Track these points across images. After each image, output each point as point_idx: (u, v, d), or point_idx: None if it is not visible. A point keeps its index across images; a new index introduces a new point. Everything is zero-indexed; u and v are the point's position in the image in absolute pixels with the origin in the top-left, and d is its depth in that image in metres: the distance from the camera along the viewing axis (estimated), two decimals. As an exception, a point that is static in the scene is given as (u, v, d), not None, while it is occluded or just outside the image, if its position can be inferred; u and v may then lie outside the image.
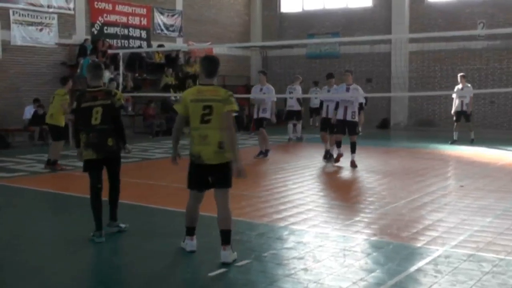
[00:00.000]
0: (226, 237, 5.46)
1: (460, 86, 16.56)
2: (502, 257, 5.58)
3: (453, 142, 16.50)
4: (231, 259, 5.41)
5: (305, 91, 20.13)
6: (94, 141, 6.31)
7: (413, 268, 5.27)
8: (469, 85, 16.82)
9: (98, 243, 6.21)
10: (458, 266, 5.29)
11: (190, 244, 5.76)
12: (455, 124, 16.85)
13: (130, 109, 19.15)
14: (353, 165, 11.57)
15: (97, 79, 6.57)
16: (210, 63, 5.61)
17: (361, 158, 11.91)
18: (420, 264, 5.40)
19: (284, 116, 17.70)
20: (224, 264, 5.33)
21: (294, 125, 16.99)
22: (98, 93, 6.42)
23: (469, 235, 6.42)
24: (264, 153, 13.20)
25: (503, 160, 13.12)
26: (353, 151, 11.66)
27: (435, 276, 5.02)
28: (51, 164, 11.54)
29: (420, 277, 5.06)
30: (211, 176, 5.47)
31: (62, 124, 11.65)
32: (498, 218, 7.24)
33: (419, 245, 6.08)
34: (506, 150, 15.06)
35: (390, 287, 4.79)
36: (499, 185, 9.77)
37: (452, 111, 17.07)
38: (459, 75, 16.94)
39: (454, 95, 16.93)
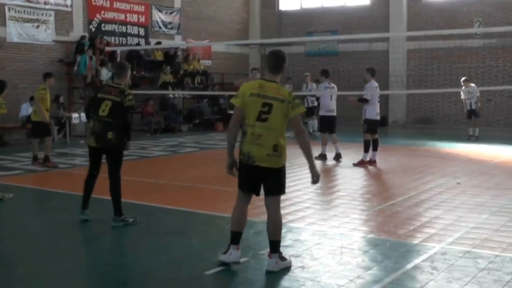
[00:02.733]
0: (274, 247, 5.17)
1: (464, 88, 17.25)
2: (498, 253, 5.62)
3: (470, 137, 17.11)
4: (278, 268, 5.09)
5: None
6: (97, 131, 6.76)
7: (409, 265, 5.30)
8: (473, 84, 17.43)
9: (102, 240, 6.21)
10: (454, 263, 5.32)
11: (235, 254, 5.22)
12: (468, 121, 17.69)
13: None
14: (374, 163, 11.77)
15: (120, 78, 7.04)
16: (275, 57, 5.21)
17: (358, 155, 11.94)
18: (416, 261, 5.43)
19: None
20: (269, 272, 5.08)
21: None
22: (113, 89, 6.91)
23: (465, 232, 6.46)
24: None
25: (499, 158, 13.16)
26: (375, 148, 11.82)
27: (432, 273, 5.05)
28: (44, 161, 11.58)
29: (417, 274, 5.09)
30: (262, 180, 5.10)
31: (46, 120, 11.69)
32: (494, 215, 7.28)
33: (415, 242, 6.10)
34: (503, 147, 15.11)
35: (387, 284, 4.81)
36: (496, 182, 9.80)
37: (465, 110, 17.92)
38: (462, 80, 17.54)
39: (462, 97, 17.78)
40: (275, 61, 5.22)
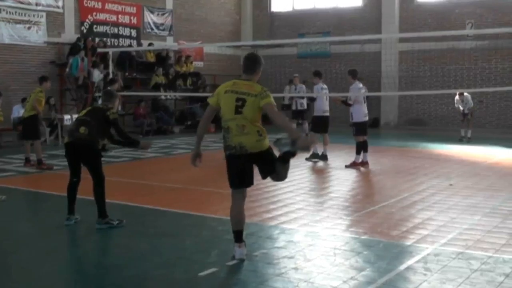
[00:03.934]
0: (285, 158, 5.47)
1: (457, 98, 17.68)
2: (490, 254, 5.62)
3: (461, 138, 17.41)
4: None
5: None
6: (71, 128, 7.03)
7: (403, 266, 5.29)
8: (466, 94, 17.61)
9: (90, 241, 6.19)
10: (447, 264, 5.32)
11: (239, 252, 5.47)
12: (461, 123, 17.98)
13: (120, 108, 19.09)
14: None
15: (107, 102, 7.15)
16: (247, 59, 5.63)
17: (351, 157, 11.93)
18: (410, 262, 5.43)
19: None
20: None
21: (299, 124, 17.52)
22: (100, 106, 7.22)
23: (458, 233, 6.46)
24: None
25: (491, 159, 13.20)
26: (365, 150, 11.78)
27: (425, 274, 5.05)
28: (38, 165, 11.52)
29: (410, 275, 5.09)
30: (252, 166, 5.44)
31: (40, 112, 11.73)
32: (486, 216, 7.29)
33: (409, 243, 6.10)
34: (495, 148, 15.17)
35: (380, 285, 4.80)
36: (488, 183, 9.83)
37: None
38: (456, 97, 17.81)
39: (456, 106, 18.09)
40: (247, 62, 5.61)
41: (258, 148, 5.36)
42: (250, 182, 5.49)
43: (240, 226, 5.50)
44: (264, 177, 5.59)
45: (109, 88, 13.45)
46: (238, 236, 5.51)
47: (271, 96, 5.40)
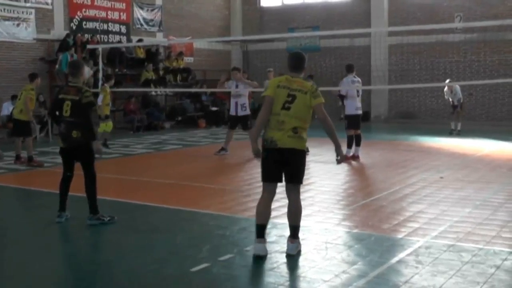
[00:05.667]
0: (294, 232, 5.55)
1: (446, 89, 17.60)
2: (481, 246, 5.66)
3: (451, 131, 17.38)
4: (295, 251, 5.49)
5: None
6: (63, 132, 6.84)
7: (394, 260, 5.32)
8: (456, 86, 17.57)
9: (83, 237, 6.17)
10: (438, 257, 5.36)
11: (259, 247, 5.39)
12: (451, 115, 18.00)
13: (110, 104, 18.98)
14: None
15: (75, 76, 6.99)
16: (293, 57, 5.71)
17: (343, 151, 11.95)
18: (401, 255, 5.46)
19: None
20: (289, 256, 5.41)
21: None
22: (71, 89, 6.88)
23: (449, 225, 6.50)
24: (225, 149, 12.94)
25: (482, 151, 13.27)
26: (358, 144, 11.85)
27: (416, 267, 5.08)
28: (28, 161, 11.47)
29: (402, 268, 5.11)
30: (284, 163, 5.41)
31: (31, 119, 11.72)
32: (477, 209, 7.34)
33: (400, 236, 6.13)
34: (485, 141, 15.25)
35: (372, 278, 4.83)
36: (478, 176, 9.88)
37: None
38: (445, 88, 17.70)
39: (446, 97, 18.06)
40: (293, 61, 5.68)
41: (288, 145, 5.36)
42: (280, 179, 5.51)
43: (264, 220, 5.47)
44: (286, 181, 5.54)
45: (102, 81, 13.48)
46: (260, 231, 5.44)
47: (321, 95, 5.51)
